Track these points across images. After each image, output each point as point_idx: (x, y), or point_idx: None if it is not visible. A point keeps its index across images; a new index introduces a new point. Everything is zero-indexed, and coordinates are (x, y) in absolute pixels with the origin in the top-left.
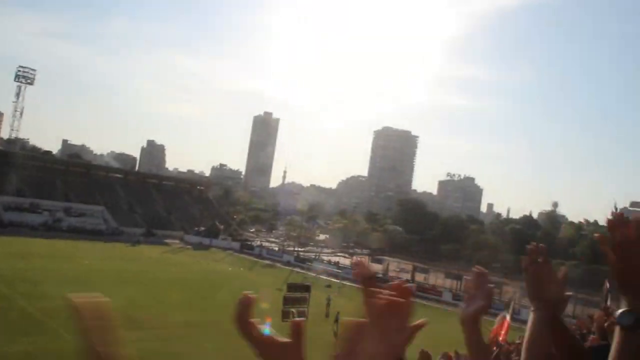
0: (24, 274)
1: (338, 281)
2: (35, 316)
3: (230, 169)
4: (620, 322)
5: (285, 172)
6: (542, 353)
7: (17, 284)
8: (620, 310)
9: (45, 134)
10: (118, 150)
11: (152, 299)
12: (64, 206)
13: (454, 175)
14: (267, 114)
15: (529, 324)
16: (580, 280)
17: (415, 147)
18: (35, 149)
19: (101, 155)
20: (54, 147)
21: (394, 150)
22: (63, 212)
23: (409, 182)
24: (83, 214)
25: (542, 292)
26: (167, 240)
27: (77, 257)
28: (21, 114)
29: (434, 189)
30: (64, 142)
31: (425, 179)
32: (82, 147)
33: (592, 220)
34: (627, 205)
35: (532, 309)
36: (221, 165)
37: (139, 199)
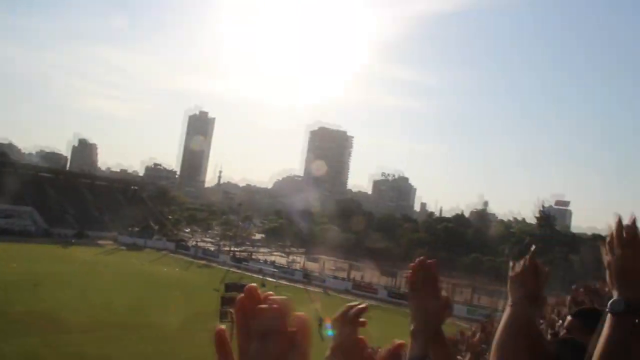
0: None
1: (274, 280)
2: None
3: (165, 169)
4: (613, 309)
5: (220, 171)
6: (513, 351)
7: None
8: (611, 300)
9: None
10: (48, 149)
11: (84, 302)
12: None
13: (388, 175)
14: (203, 113)
15: (504, 318)
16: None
17: (351, 147)
18: None
19: (29, 154)
20: None
21: (330, 150)
22: None
23: (345, 181)
24: (11, 215)
25: (525, 287)
26: (100, 242)
27: (4, 260)
28: None
29: (369, 189)
30: None
31: (360, 179)
32: (9, 145)
33: (520, 218)
34: (552, 203)
35: (509, 303)
36: (155, 164)
37: (70, 199)
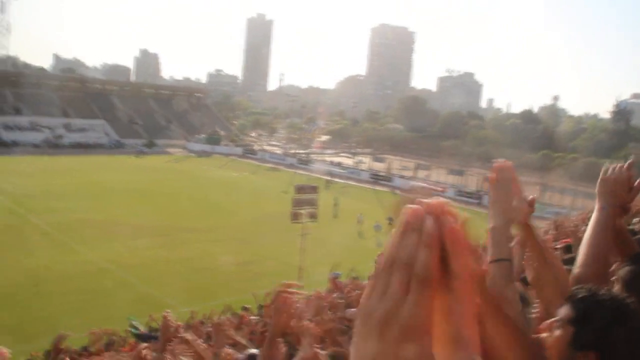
0: (33, 190)
1: (341, 181)
2: (47, 231)
3: (227, 75)
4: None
5: (282, 75)
6: (602, 253)
7: (26, 201)
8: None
9: (36, 50)
10: (111, 61)
11: (159, 207)
12: (64, 122)
13: (453, 71)
14: (261, 16)
15: (593, 222)
16: (579, 174)
17: (413, 43)
18: (27, 66)
19: (94, 67)
20: (46, 63)
21: (392, 47)
22: (63, 128)
23: (408, 79)
24: (84, 129)
25: (616, 197)
26: (170, 150)
27: (82, 172)
28: (8, 30)
29: (433, 86)
30: (56, 56)
31: (424, 76)
32: (75, 61)
33: (592, 113)
34: (628, 97)
35: (598, 206)
36: (217, 71)
37: (137, 109)
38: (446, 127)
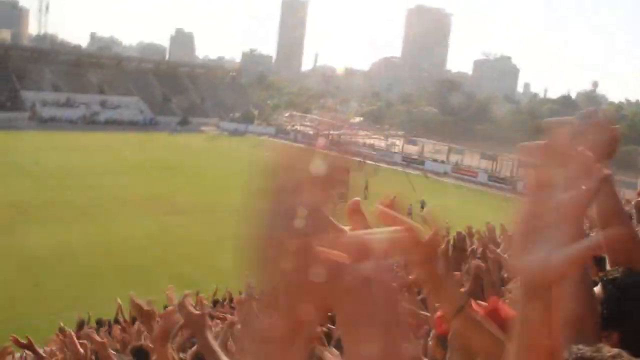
0: (70, 167)
1: (373, 163)
2: (84, 207)
3: (261, 54)
4: None
5: (316, 55)
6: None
7: (63, 177)
8: None
9: (73, 28)
10: (147, 40)
11: (191, 185)
12: (100, 99)
13: (489, 54)
14: None
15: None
16: (617, 161)
17: (450, 25)
18: (64, 44)
19: (130, 46)
20: (83, 41)
21: (428, 29)
22: (99, 105)
23: (443, 62)
24: (119, 106)
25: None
26: (204, 128)
27: (118, 149)
28: (47, 9)
29: (468, 69)
30: (92, 35)
31: (459, 59)
32: (111, 39)
33: (633, 100)
34: None
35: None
36: (251, 50)
37: (172, 88)
38: (481, 111)
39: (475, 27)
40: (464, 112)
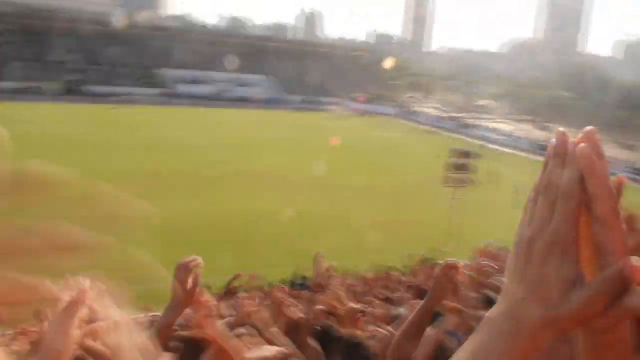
0: (198, 141)
1: (499, 148)
2: (206, 181)
3: (388, 35)
4: None
5: (444, 37)
6: None
7: (187, 151)
8: None
9: (204, 8)
10: (275, 20)
11: (315, 164)
12: (229, 77)
13: (634, 35)
14: None
15: None
16: None
17: (586, 5)
18: (195, 24)
19: (259, 26)
20: (212, 21)
21: (563, 10)
22: (230, 83)
23: (580, 44)
24: (246, 84)
25: None
26: (329, 107)
27: (244, 125)
28: None
29: (608, 52)
30: (221, 15)
31: (598, 41)
32: (240, 19)
33: None
34: None
35: None
36: (377, 31)
37: (298, 67)
38: (623, 98)
39: (616, 7)
40: (602, 98)
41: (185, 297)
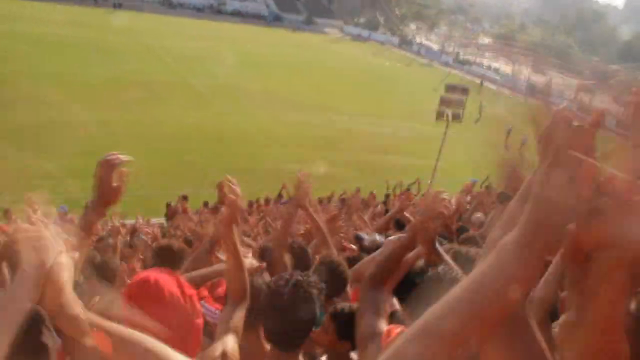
0: (193, 53)
1: (495, 87)
2: (202, 93)
3: None
4: None
5: None
6: None
7: (186, 62)
8: None
9: None
10: None
11: (311, 85)
12: None
13: None
14: None
15: None
16: None
17: None
18: None
19: None
20: None
21: None
22: None
23: None
24: None
25: None
26: (327, 30)
27: (241, 40)
28: None
29: (619, 2)
30: None
31: None
32: None
33: None
34: None
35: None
36: None
37: None
38: (624, 50)
39: None
40: (603, 48)
41: (108, 194)
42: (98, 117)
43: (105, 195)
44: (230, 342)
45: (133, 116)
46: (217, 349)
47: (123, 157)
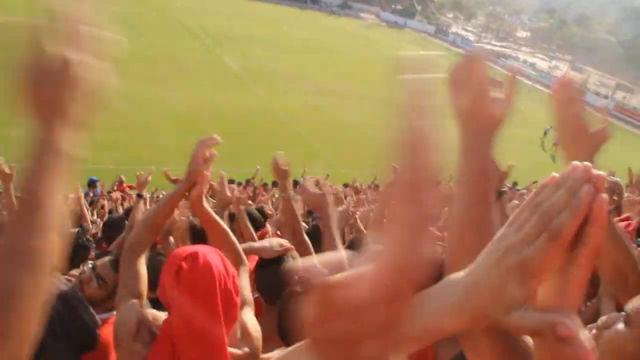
0: (229, 32)
1: (530, 83)
2: (236, 72)
3: None
4: None
5: None
6: None
7: (221, 41)
8: None
9: None
10: None
11: (342, 71)
12: None
13: None
14: None
15: None
16: None
17: None
18: None
19: None
20: None
21: None
22: None
23: None
24: None
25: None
26: (363, 15)
27: (276, 22)
28: None
29: None
30: None
31: None
32: None
33: None
34: None
35: None
36: None
37: None
38: None
39: None
40: None
41: (196, 172)
42: (129, 90)
43: (190, 175)
44: (249, 318)
45: (165, 92)
46: (236, 329)
47: (217, 138)
